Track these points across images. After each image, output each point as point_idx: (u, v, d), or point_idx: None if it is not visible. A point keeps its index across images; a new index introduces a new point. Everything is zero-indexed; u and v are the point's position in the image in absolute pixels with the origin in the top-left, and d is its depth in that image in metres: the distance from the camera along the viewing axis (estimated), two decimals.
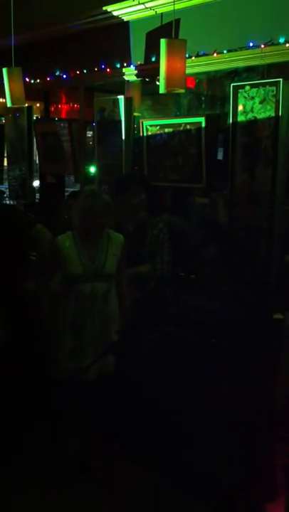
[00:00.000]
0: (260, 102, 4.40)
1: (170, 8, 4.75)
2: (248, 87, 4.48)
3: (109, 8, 5.63)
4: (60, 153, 6.69)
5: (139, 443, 3.81)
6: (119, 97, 5.65)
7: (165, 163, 5.33)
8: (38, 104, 8.04)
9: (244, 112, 4.49)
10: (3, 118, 7.51)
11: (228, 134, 4.66)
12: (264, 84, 4.39)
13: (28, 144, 6.97)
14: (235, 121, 4.55)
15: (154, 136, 5.41)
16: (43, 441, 4.14)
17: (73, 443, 3.97)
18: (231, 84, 4.60)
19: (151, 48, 5.38)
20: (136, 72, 5.65)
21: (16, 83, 5.93)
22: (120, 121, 5.64)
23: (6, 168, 7.74)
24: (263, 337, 3.50)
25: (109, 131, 5.78)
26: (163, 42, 4.39)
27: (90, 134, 6.86)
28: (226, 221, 4.76)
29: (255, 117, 4.43)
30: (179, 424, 3.74)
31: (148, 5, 5.35)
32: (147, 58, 5.52)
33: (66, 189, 7.43)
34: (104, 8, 5.66)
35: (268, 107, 4.35)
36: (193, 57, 4.99)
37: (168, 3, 5.03)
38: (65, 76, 6.47)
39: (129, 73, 5.70)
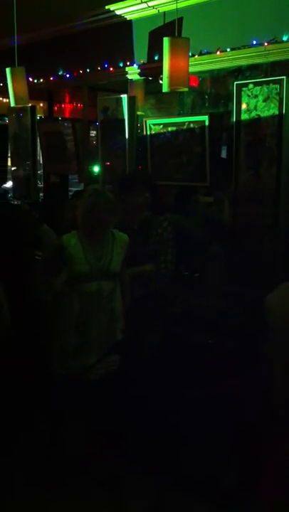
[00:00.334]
0: (264, 100, 4.39)
1: (173, 6, 4.73)
2: (251, 85, 4.47)
3: (112, 7, 5.62)
4: (63, 152, 6.69)
5: (141, 443, 3.81)
6: (122, 96, 5.65)
7: (169, 162, 5.33)
8: (41, 104, 8.04)
9: (248, 110, 4.48)
10: (7, 118, 7.50)
11: (232, 132, 4.65)
12: (267, 82, 4.38)
13: (31, 143, 6.97)
14: (238, 120, 4.54)
15: (157, 134, 5.40)
16: (47, 440, 4.14)
17: (77, 442, 3.97)
18: (235, 83, 4.59)
19: (155, 47, 5.37)
20: (139, 71, 5.64)
21: (19, 83, 5.94)
22: (124, 120, 5.63)
23: (9, 167, 7.75)
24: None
25: (112, 130, 5.77)
26: (166, 40, 4.39)
27: (93, 133, 6.86)
28: (230, 220, 4.75)
29: (258, 115, 4.42)
30: (181, 424, 3.73)
31: (151, 4, 5.35)
32: (150, 57, 5.51)
33: (70, 188, 7.43)
34: (107, 8, 5.65)
35: (272, 105, 4.34)
36: (196, 56, 4.99)
37: (171, 1, 5.02)
38: (68, 75, 6.47)
39: (133, 72, 5.70)
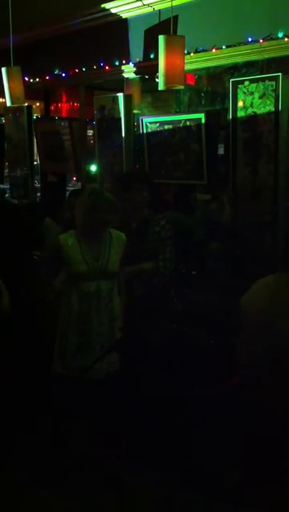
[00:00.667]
0: (260, 97, 4.39)
1: (168, 4, 4.73)
2: (247, 83, 4.48)
3: (107, 5, 5.62)
4: (61, 152, 6.69)
5: (143, 442, 3.81)
6: (118, 94, 5.65)
7: (166, 160, 5.33)
8: (38, 104, 8.03)
9: (244, 107, 4.48)
10: (3, 118, 7.50)
11: (228, 129, 4.65)
12: (263, 79, 4.38)
13: (28, 143, 6.96)
14: (235, 117, 4.55)
15: (154, 133, 5.40)
16: (49, 439, 4.14)
17: (80, 441, 3.97)
18: (231, 80, 4.60)
19: (150, 45, 5.37)
20: (135, 69, 5.64)
21: (15, 82, 5.93)
22: (120, 118, 5.63)
23: (6, 167, 7.74)
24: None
25: (109, 129, 5.78)
26: (161, 38, 4.38)
27: (90, 132, 6.86)
28: (228, 217, 4.75)
29: (255, 112, 4.43)
30: (184, 422, 3.74)
31: (146, 2, 5.34)
32: (146, 55, 5.51)
33: (67, 187, 7.44)
34: (102, 6, 5.65)
35: (268, 102, 4.34)
36: (192, 54, 4.98)
37: None
38: (64, 75, 6.46)
39: (128, 70, 5.70)
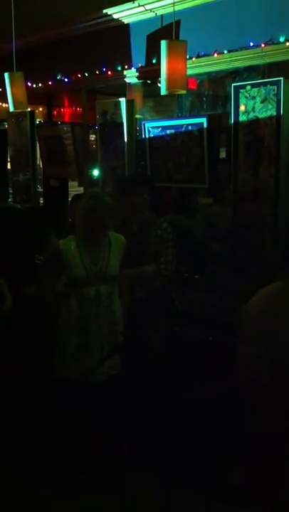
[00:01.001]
0: (262, 102, 4.40)
1: (170, 9, 4.76)
2: (249, 87, 4.49)
3: (109, 11, 5.65)
4: (63, 156, 6.71)
5: (145, 443, 3.81)
6: (120, 99, 5.67)
7: (168, 163, 5.34)
8: (40, 109, 8.06)
9: (246, 111, 4.50)
10: (6, 123, 7.53)
11: (230, 134, 4.67)
12: (265, 84, 4.39)
13: (31, 147, 6.99)
14: (237, 121, 4.56)
15: (156, 137, 5.42)
16: (50, 440, 4.15)
17: (80, 442, 3.98)
18: (232, 84, 4.61)
19: (152, 50, 5.39)
20: (137, 74, 5.66)
21: (18, 88, 5.96)
22: (122, 123, 5.65)
23: (9, 172, 7.76)
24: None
25: (111, 133, 5.80)
26: (163, 43, 4.41)
27: (93, 137, 6.88)
28: (229, 220, 4.76)
29: (256, 117, 4.44)
30: (185, 423, 3.74)
31: (148, 7, 5.36)
32: (148, 60, 5.53)
33: (70, 191, 7.46)
34: (104, 11, 5.67)
35: (270, 106, 4.35)
36: (193, 58, 5.00)
37: (168, 4, 5.04)
38: (66, 80, 6.49)
39: (131, 75, 5.72)
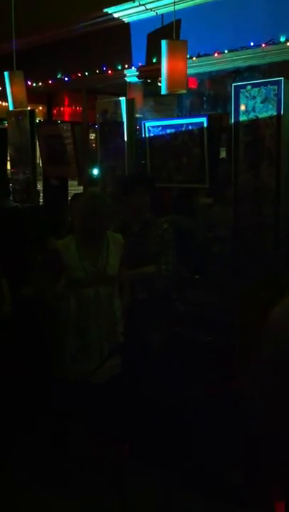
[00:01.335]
0: (262, 102, 4.40)
1: (171, 8, 4.76)
2: (249, 87, 4.48)
3: (109, 10, 5.64)
4: (63, 155, 6.71)
5: (146, 442, 3.82)
6: (121, 98, 5.66)
7: (168, 163, 5.34)
8: (40, 107, 8.05)
9: (246, 111, 4.49)
10: (6, 121, 7.52)
11: (230, 133, 4.67)
12: (265, 84, 4.38)
13: (31, 147, 6.98)
14: (237, 121, 4.55)
15: (156, 137, 5.41)
16: (49, 440, 4.15)
17: (80, 442, 3.98)
18: (233, 84, 4.61)
19: (153, 49, 5.39)
20: (137, 73, 5.66)
21: (18, 87, 5.96)
22: (122, 122, 5.65)
23: (9, 171, 7.76)
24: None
25: (111, 132, 5.79)
26: (164, 43, 4.41)
27: (93, 136, 6.87)
28: (230, 220, 4.76)
29: (257, 116, 4.43)
30: (186, 423, 3.74)
31: (149, 6, 5.36)
32: (149, 59, 5.53)
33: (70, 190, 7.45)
34: (105, 11, 5.67)
35: (270, 106, 4.35)
36: (194, 58, 5.01)
37: (168, 4, 5.04)
38: (66, 79, 6.49)
39: (131, 75, 5.72)
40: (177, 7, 4.68)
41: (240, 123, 4.54)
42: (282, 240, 4.37)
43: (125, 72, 5.76)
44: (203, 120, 4.97)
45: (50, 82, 6.73)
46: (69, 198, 6.75)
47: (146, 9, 5.40)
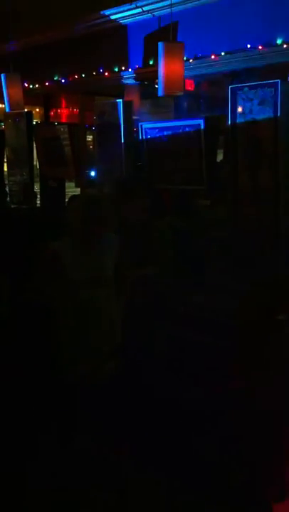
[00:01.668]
0: (259, 104, 4.41)
1: (168, 11, 4.78)
2: (246, 89, 4.49)
3: (107, 12, 5.65)
4: (60, 157, 6.71)
5: (147, 442, 3.83)
6: (118, 100, 5.67)
7: (165, 165, 5.35)
8: (37, 109, 8.07)
9: (243, 113, 4.50)
10: (3, 123, 7.53)
11: (227, 135, 4.68)
12: (262, 86, 4.39)
13: (28, 148, 6.99)
14: (234, 123, 4.56)
15: (153, 138, 5.42)
16: (53, 443, 4.15)
17: (82, 445, 3.98)
18: (230, 86, 4.62)
19: (150, 51, 5.40)
20: (134, 75, 5.67)
21: (14, 88, 5.97)
22: (120, 124, 5.65)
23: (6, 173, 7.76)
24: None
25: (109, 134, 5.80)
26: (161, 45, 4.43)
27: (90, 138, 6.89)
28: (228, 222, 4.77)
29: (254, 118, 4.44)
30: (187, 422, 3.75)
31: (146, 8, 5.37)
32: (146, 61, 5.54)
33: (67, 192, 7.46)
34: (101, 13, 5.68)
35: (267, 108, 4.36)
36: (191, 60, 5.02)
37: (165, 6, 5.05)
38: (64, 80, 6.50)
39: (128, 77, 5.73)
40: (174, 9, 4.70)
41: (237, 125, 4.54)
42: (282, 241, 4.38)
43: (122, 74, 5.77)
44: (201, 122, 4.98)
45: (47, 83, 6.74)
46: (66, 200, 6.77)
47: (144, 11, 5.42)
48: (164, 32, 5.08)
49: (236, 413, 3.53)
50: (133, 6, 5.42)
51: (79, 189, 6.73)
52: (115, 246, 3.89)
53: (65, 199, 7.02)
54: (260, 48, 4.56)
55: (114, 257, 3.86)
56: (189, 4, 5.04)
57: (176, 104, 5.53)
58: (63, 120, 8.56)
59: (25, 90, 6.33)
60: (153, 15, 5.40)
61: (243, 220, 4.58)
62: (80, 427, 3.85)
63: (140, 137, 5.56)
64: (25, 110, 6.71)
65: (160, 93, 4.73)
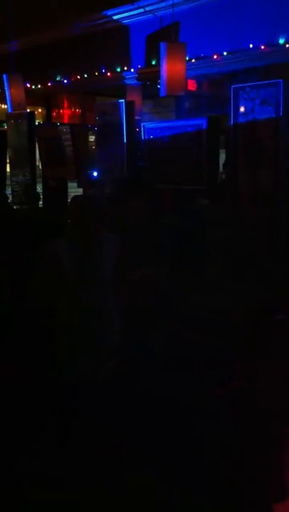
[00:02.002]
0: (261, 103, 4.40)
1: (169, 11, 4.78)
2: (248, 89, 4.48)
3: (108, 12, 5.65)
4: (62, 157, 6.71)
5: (146, 442, 3.82)
6: (120, 100, 5.67)
7: (166, 165, 5.34)
8: (39, 110, 8.07)
9: (245, 113, 4.50)
10: (5, 124, 7.53)
11: (229, 135, 4.67)
12: (264, 86, 4.39)
13: (30, 149, 6.99)
14: (236, 123, 4.56)
15: (155, 138, 5.42)
16: (53, 443, 4.15)
17: (82, 445, 3.98)
18: (232, 86, 4.61)
19: (152, 51, 5.40)
20: (136, 75, 5.67)
21: (16, 89, 5.97)
22: (122, 124, 5.65)
23: (9, 173, 7.77)
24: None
25: (110, 134, 5.80)
26: (163, 45, 4.42)
27: (92, 138, 6.88)
28: (229, 221, 4.77)
29: (255, 118, 4.44)
30: (187, 424, 3.74)
31: (148, 8, 5.37)
32: (147, 62, 5.54)
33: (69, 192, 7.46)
34: (103, 13, 5.68)
35: (269, 108, 4.35)
36: (193, 60, 5.01)
37: (167, 6, 5.05)
38: (65, 81, 6.50)
39: (130, 77, 5.73)
40: (176, 9, 4.69)
41: (239, 125, 4.54)
42: (282, 241, 4.37)
43: (124, 74, 5.76)
44: (203, 122, 4.97)
45: (49, 84, 6.74)
46: (68, 200, 6.76)
47: (145, 11, 5.42)
48: (165, 32, 5.08)
49: (236, 413, 3.52)
50: (135, 6, 5.41)
51: (81, 189, 6.72)
52: (115, 246, 3.88)
53: (67, 199, 7.02)
54: (262, 47, 4.55)
55: (114, 257, 3.86)
56: (191, 4, 5.03)
57: (178, 104, 5.52)
58: (65, 120, 8.56)
59: (28, 91, 6.33)
60: (155, 15, 5.39)
61: (243, 220, 4.58)
62: (80, 426, 3.85)
63: (142, 137, 5.55)
64: (28, 111, 6.71)
65: (162, 93, 4.73)
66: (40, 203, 7.46)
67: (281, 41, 4.45)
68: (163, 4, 5.20)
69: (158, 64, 4.54)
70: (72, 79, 6.41)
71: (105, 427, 3.72)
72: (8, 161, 7.68)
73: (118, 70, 5.83)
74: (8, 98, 6.24)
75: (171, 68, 4.59)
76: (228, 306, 4.09)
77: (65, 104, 8.53)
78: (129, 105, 5.63)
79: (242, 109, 4.53)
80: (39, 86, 6.87)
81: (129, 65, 5.74)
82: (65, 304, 3.81)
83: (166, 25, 5.22)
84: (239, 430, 3.52)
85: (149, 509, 3.55)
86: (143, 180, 5.08)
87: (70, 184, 7.33)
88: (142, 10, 5.43)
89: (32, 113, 6.96)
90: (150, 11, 5.40)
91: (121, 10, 5.58)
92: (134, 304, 4.10)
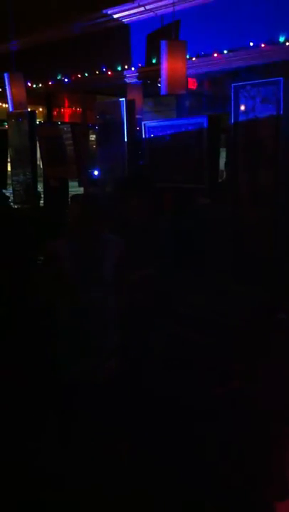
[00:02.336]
0: (262, 102, 4.39)
1: (170, 9, 4.76)
2: (249, 87, 4.47)
3: (109, 10, 5.64)
4: (63, 157, 6.70)
5: (146, 442, 3.81)
6: (120, 99, 5.66)
7: (167, 163, 5.33)
8: (40, 109, 8.06)
9: (245, 111, 4.48)
10: (6, 123, 7.52)
11: (230, 133, 4.66)
12: (265, 84, 4.37)
13: (31, 148, 6.98)
14: (236, 121, 4.54)
15: (156, 137, 5.41)
16: (53, 443, 4.14)
17: (82, 444, 3.97)
18: (232, 84, 4.60)
19: (152, 50, 5.39)
20: (137, 74, 5.65)
21: (17, 88, 5.97)
22: (122, 123, 5.64)
23: (10, 172, 7.76)
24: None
25: (111, 133, 5.79)
26: (163, 44, 4.41)
27: (93, 137, 6.87)
28: (229, 221, 4.75)
29: (256, 117, 4.42)
30: (187, 424, 3.74)
31: (148, 7, 5.36)
32: (148, 60, 5.53)
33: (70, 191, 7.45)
34: (104, 12, 5.67)
35: (270, 106, 4.34)
36: (193, 58, 5.00)
37: (168, 4, 5.04)
38: (66, 80, 6.49)
39: (131, 75, 5.71)
40: (176, 8, 4.68)
41: (239, 123, 4.52)
42: (282, 241, 4.36)
43: (125, 73, 5.75)
44: (203, 120, 4.96)
45: (50, 83, 6.73)
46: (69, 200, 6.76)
47: (146, 10, 5.40)
48: (166, 30, 5.07)
49: (236, 413, 3.51)
50: (135, 4, 5.40)
51: (82, 189, 6.71)
52: (115, 246, 3.87)
53: (68, 198, 7.02)
54: (262, 46, 4.54)
55: (114, 257, 3.84)
56: (192, 2, 5.02)
57: (179, 102, 5.51)
58: (66, 119, 8.55)
59: (28, 90, 6.32)
60: (155, 13, 5.38)
61: (243, 219, 4.56)
62: (80, 426, 3.84)
63: (143, 136, 5.55)
64: (29, 110, 6.71)
65: (163, 92, 4.71)
66: (41, 202, 7.46)
67: (281, 39, 4.43)
68: (163, 3, 5.18)
69: (158, 62, 4.52)
70: (73, 78, 6.40)
71: (105, 427, 3.72)
72: (9, 160, 7.67)
73: (119, 68, 5.82)
74: (9, 97, 6.23)
75: (172, 67, 4.57)
76: (228, 306, 4.09)
77: (66, 103, 8.53)
78: (130, 104, 5.61)
79: (242, 108, 4.51)
80: (40, 85, 6.86)
81: (130, 63, 5.72)
82: (65, 304, 3.80)
83: (166, 23, 5.20)
84: (239, 430, 3.51)
85: (149, 509, 3.55)
86: (144, 179, 5.06)
87: (71, 183, 7.31)
88: (142, 8, 5.41)
89: (33, 112, 6.95)
90: (151, 10, 5.38)
91: (121, 8, 5.56)
92: (134, 304, 4.08)
